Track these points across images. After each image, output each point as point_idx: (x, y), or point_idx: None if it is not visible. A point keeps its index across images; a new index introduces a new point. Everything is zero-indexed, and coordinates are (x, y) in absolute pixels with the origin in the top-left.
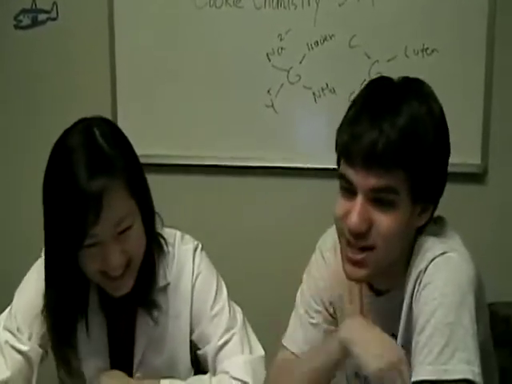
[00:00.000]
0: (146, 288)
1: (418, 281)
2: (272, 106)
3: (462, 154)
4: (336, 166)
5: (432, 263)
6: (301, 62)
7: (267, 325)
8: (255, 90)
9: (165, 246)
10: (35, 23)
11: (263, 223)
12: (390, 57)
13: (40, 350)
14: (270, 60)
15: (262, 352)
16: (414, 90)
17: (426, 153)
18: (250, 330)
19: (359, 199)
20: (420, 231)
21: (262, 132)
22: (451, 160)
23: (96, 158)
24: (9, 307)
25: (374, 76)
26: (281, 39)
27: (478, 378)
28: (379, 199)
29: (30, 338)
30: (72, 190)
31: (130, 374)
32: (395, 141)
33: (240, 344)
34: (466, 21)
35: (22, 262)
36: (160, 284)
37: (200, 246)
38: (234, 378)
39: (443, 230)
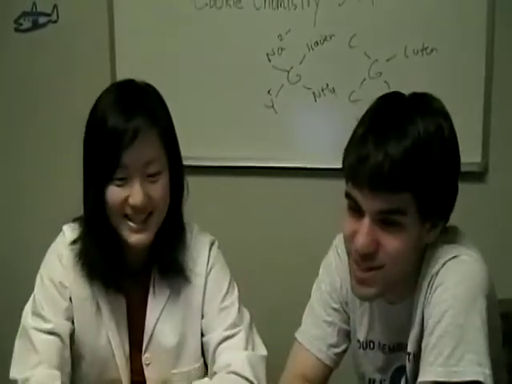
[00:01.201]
0: (169, 246)
1: (430, 285)
2: (272, 106)
3: (463, 152)
4: (336, 166)
5: (444, 266)
6: (301, 63)
7: (272, 321)
8: (255, 91)
9: (188, 233)
10: (36, 26)
11: (263, 223)
12: (390, 56)
13: (68, 324)
14: (270, 60)
15: (264, 352)
16: (422, 108)
17: (433, 172)
18: (255, 332)
19: (366, 221)
20: (433, 244)
21: (263, 132)
22: None
23: (140, 99)
24: (34, 291)
25: (373, 76)
26: (281, 39)
27: (488, 380)
28: (386, 220)
29: (55, 314)
30: (111, 125)
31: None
32: (401, 163)
33: (244, 340)
34: (465, 20)
35: (23, 259)
36: (183, 247)
37: (217, 242)
38: (235, 373)
39: (456, 238)
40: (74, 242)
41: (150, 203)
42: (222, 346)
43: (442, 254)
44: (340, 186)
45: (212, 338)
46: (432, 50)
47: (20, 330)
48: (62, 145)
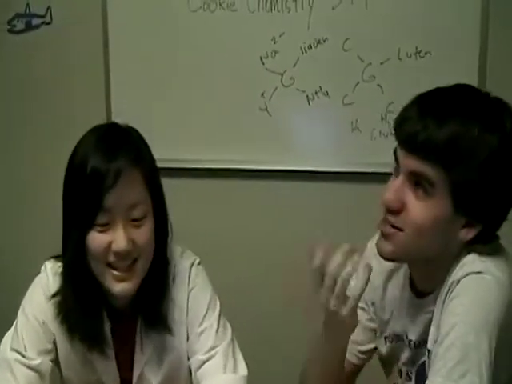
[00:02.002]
0: (153, 300)
1: (450, 291)
2: (266, 109)
3: None
4: (329, 169)
5: (466, 278)
6: (294, 65)
7: (267, 323)
8: (249, 93)
9: (170, 265)
10: (29, 28)
11: (255, 225)
12: (383, 60)
13: (49, 363)
14: (263, 63)
15: (245, 372)
16: (497, 109)
17: (475, 169)
18: (237, 348)
19: (400, 178)
20: (469, 250)
21: (256, 135)
22: None
23: (122, 140)
24: (13, 326)
25: (366, 79)
26: (274, 42)
27: None
28: (416, 183)
29: (39, 354)
30: (92, 166)
31: None
32: (437, 138)
33: (223, 362)
34: (459, 23)
35: (24, 260)
36: (167, 298)
37: (197, 261)
38: None
39: (494, 251)
40: (54, 295)
41: (134, 249)
42: (200, 371)
43: (469, 263)
44: (334, 188)
45: (192, 364)
46: (425, 54)
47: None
48: (57, 145)
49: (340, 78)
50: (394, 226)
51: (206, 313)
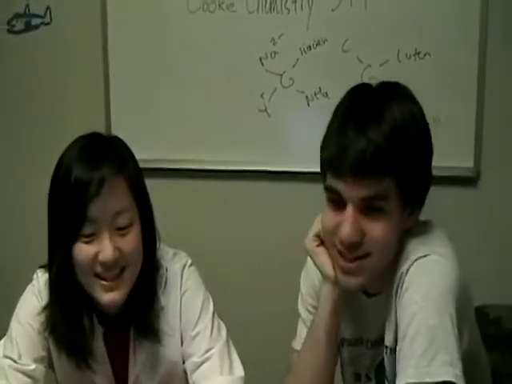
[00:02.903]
0: (142, 312)
1: (401, 283)
2: (265, 110)
3: (455, 157)
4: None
5: (413, 265)
6: (294, 66)
7: (263, 325)
8: (248, 94)
9: (161, 269)
10: (29, 28)
11: (255, 227)
12: (383, 61)
13: (44, 369)
14: (263, 64)
15: (241, 373)
16: (393, 95)
17: (412, 156)
18: (232, 349)
19: (350, 210)
20: (405, 233)
21: (255, 136)
22: (444, 163)
23: (105, 149)
24: (7, 334)
25: (366, 80)
26: (274, 43)
27: (460, 381)
28: (370, 207)
29: (34, 361)
30: (75, 175)
31: None
32: (383, 148)
33: (219, 364)
34: (458, 24)
35: (22, 261)
36: (155, 309)
37: (189, 262)
38: None
39: (429, 231)
40: (43, 309)
41: (121, 258)
42: (196, 373)
43: (413, 250)
44: None
45: (187, 367)
46: (425, 55)
47: None
48: (55, 146)
49: (339, 79)
50: (356, 258)
51: (200, 316)
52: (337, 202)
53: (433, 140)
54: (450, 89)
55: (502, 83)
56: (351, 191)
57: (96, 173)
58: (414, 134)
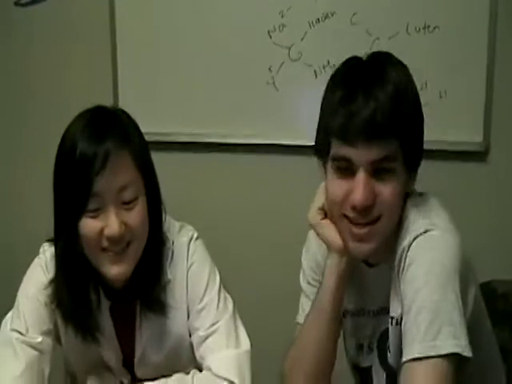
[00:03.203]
0: (148, 285)
1: (403, 258)
2: (273, 83)
3: (464, 132)
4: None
5: (415, 242)
6: (302, 39)
7: (265, 304)
8: (256, 68)
9: (168, 242)
10: (36, 0)
11: (263, 201)
12: (392, 34)
13: (51, 342)
14: (271, 37)
15: (247, 346)
16: (387, 61)
17: (412, 117)
18: (239, 322)
19: (361, 175)
20: (405, 201)
21: (263, 109)
22: (453, 138)
23: (110, 122)
24: (14, 307)
25: None
26: (282, 16)
27: (465, 351)
28: (380, 170)
29: (41, 334)
30: (80, 150)
31: None
32: (390, 109)
33: (225, 337)
34: None
35: (24, 257)
36: (162, 282)
37: (195, 235)
38: (218, 376)
39: (427, 201)
40: (50, 282)
41: (127, 232)
42: (202, 347)
43: (413, 222)
44: None
45: (194, 340)
46: (434, 28)
47: (0, 339)
48: (61, 123)
49: (348, 52)
50: (367, 223)
51: (206, 289)
52: (346, 169)
53: (442, 114)
54: (459, 62)
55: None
56: (362, 156)
57: (101, 147)
58: (412, 96)
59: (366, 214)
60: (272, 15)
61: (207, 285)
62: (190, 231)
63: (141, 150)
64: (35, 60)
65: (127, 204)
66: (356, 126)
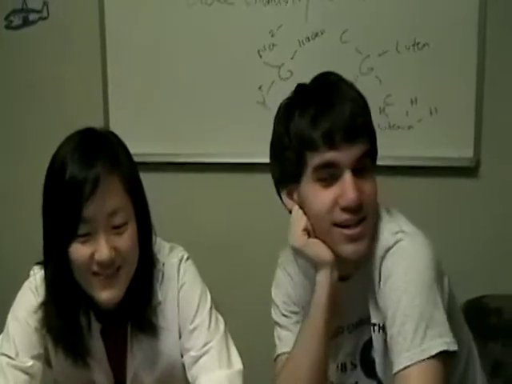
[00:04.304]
0: (139, 307)
1: (378, 270)
2: (263, 102)
3: (455, 147)
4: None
5: (388, 254)
6: (292, 58)
7: (258, 320)
8: (246, 87)
9: (158, 264)
10: (26, 23)
11: (253, 219)
12: (382, 52)
13: (41, 366)
14: (261, 56)
15: (239, 366)
16: (334, 74)
17: (370, 115)
18: (230, 342)
19: (348, 175)
20: None
21: (254, 128)
22: (444, 154)
23: (100, 146)
24: (4, 331)
25: (365, 71)
26: (272, 35)
27: (451, 346)
28: (361, 169)
29: (31, 359)
30: (70, 174)
31: None
32: (361, 110)
33: (217, 357)
34: (457, 15)
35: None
36: (153, 303)
37: (185, 256)
38: None
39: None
40: (40, 306)
41: (117, 257)
42: (195, 367)
43: (383, 230)
44: None
45: (186, 361)
46: (424, 46)
47: None
48: (52, 142)
49: (338, 70)
50: (358, 222)
51: (197, 309)
52: (330, 177)
53: (432, 130)
54: (448, 79)
55: (500, 74)
56: (347, 156)
57: (90, 172)
58: (364, 98)
59: (357, 213)
60: (262, 34)
61: (198, 305)
62: (180, 252)
63: (130, 173)
64: (26, 81)
65: (117, 228)
66: (340, 130)
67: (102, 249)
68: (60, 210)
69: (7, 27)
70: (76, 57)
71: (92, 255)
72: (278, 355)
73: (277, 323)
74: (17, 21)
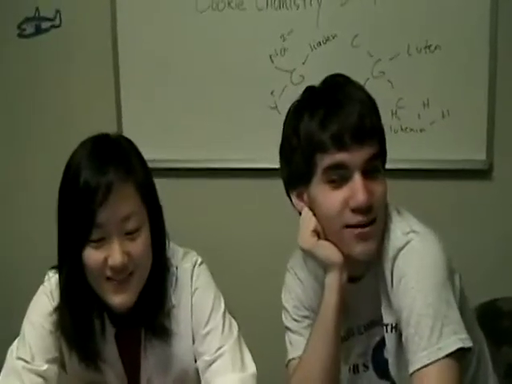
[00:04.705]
0: (152, 311)
1: (390, 270)
2: (276, 107)
3: (467, 150)
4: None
5: (400, 254)
6: (304, 63)
7: (266, 327)
8: (259, 92)
9: (171, 268)
10: (39, 31)
11: (266, 224)
12: (393, 55)
13: (56, 369)
14: (272, 61)
15: (253, 369)
16: (343, 76)
17: (380, 116)
18: (243, 345)
19: (358, 177)
20: None
21: (266, 133)
22: (457, 157)
23: (113, 153)
24: (20, 335)
25: (376, 75)
26: (283, 40)
27: (467, 343)
28: (370, 170)
29: (46, 362)
30: (83, 180)
31: None
32: (370, 111)
33: (231, 361)
34: (468, 17)
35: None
36: (166, 308)
37: (199, 261)
38: None
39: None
40: (55, 310)
41: (130, 262)
42: (208, 372)
43: (393, 229)
44: None
45: (199, 365)
46: (435, 48)
47: (6, 367)
48: (66, 148)
49: (350, 74)
50: (369, 223)
51: (211, 314)
52: (340, 178)
53: (444, 133)
54: (460, 81)
55: None
56: (357, 157)
57: (103, 178)
58: (374, 99)
59: (367, 214)
60: (273, 39)
61: (212, 309)
62: (193, 257)
63: (144, 179)
64: (39, 88)
65: (130, 234)
66: (349, 131)
67: (114, 254)
68: (74, 215)
69: (20, 35)
70: (88, 64)
71: (105, 260)
72: (290, 360)
73: (288, 328)
74: (29, 29)
